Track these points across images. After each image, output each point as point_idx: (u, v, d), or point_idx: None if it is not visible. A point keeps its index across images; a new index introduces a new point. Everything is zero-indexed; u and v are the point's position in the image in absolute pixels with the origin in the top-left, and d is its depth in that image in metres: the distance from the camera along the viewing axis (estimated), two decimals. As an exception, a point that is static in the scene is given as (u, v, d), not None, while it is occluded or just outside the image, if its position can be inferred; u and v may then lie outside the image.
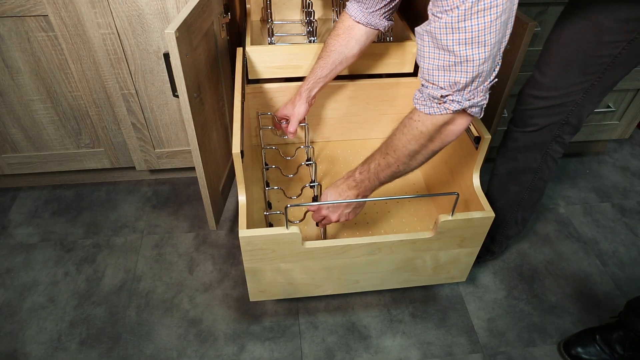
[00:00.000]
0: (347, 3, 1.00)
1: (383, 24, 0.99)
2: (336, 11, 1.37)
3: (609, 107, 1.44)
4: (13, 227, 1.34)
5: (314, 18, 1.27)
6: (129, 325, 1.11)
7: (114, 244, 1.30)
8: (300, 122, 1.12)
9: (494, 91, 1.05)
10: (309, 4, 1.31)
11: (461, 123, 0.75)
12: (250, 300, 0.97)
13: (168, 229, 1.34)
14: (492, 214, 0.90)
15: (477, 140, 0.94)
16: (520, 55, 0.89)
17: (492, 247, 1.20)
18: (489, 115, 1.12)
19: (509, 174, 1.06)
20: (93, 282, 1.20)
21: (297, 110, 1.10)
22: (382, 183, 0.88)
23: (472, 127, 0.96)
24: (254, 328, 1.11)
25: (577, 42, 0.84)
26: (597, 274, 1.26)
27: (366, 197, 0.91)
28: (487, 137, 0.92)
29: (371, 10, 0.96)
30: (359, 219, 1.15)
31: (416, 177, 1.29)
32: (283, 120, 1.17)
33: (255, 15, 1.39)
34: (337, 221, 0.95)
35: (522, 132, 0.99)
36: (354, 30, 1.01)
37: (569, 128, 0.94)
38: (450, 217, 0.87)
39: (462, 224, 0.89)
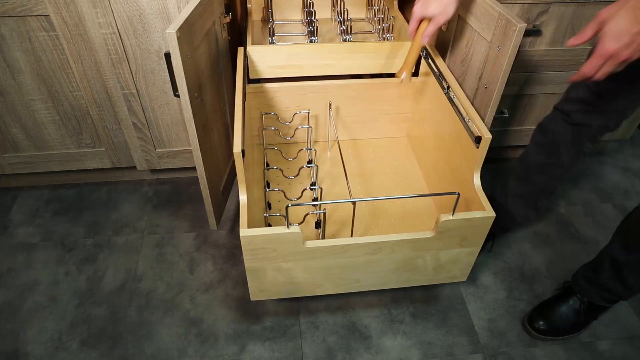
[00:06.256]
0: None
1: None
2: (337, 11, 1.37)
3: (610, 107, 1.44)
4: (14, 226, 1.34)
5: (314, 18, 1.27)
6: (130, 325, 1.11)
7: (115, 243, 1.30)
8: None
9: (487, 92, 1.05)
10: (309, 3, 1.31)
11: None
12: (251, 299, 0.97)
13: (169, 229, 1.34)
14: (493, 214, 0.90)
15: (478, 140, 0.94)
16: (510, 57, 0.89)
17: (511, 226, 1.25)
18: (482, 116, 1.12)
19: (540, 166, 1.09)
20: (94, 282, 1.20)
21: (447, 13, 0.92)
22: None
23: (473, 127, 0.96)
24: (254, 328, 1.11)
25: None
26: (598, 275, 1.26)
27: None
28: (487, 137, 0.92)
29: None
30: (359, 217, 1.16)
31: (417, 176, 1.29)
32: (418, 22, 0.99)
33: (256, 15, 1.39)
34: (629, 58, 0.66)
35: (563, 128, 1.01)
36: None
37: (605, 130, 0.98)
38: (451, 217, 0.87)
39: (462, 223, 0.89)
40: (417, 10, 0.96)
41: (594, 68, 0.67)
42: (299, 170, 1.26)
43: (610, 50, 0.64)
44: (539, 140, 1.08)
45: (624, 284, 1.00)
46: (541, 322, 1.10)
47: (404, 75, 1.07)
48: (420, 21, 0.98)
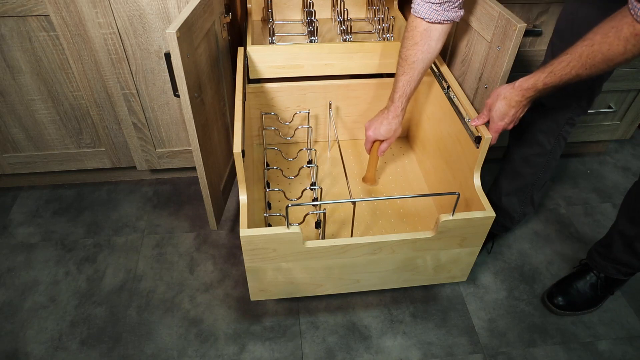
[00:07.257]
0: (415, 6, 0.96)
1: (459, 14, 0.96)
2: (337, 11, 1.37)
3: (610, 107, 1.44)
4: (14, 226, 1.34)
5: (314, 18, 1.27)
6: (130, 325, 1.11)
7: (115, 243, 1.30)
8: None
9: (487, 92, 1.05)
10: (309, 3, 1.31)
11: None
12: (251, 299, 0.97)
13: (169, 229, 1.34)
14: (493, 214, 0.90)
15: (478, 140, 0.94)
16: (510, 56, 0.89)
17: (510, 224, 1.24)
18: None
19: (524, 158, 1.11)
20: (94, 282, 1.20)
21: (396, 134, 1.11)
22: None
23: (473, 127, 0.96)
24: (254, 328, 1.11)
25: (585, 29, 0.81)
26: (598, 275, 1.26)
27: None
28: (487, 137, 0.92)
29: (447, 7, 0.93)
30: (359, 217, 1.16)
31: (417, 176, 1.29)
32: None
33: (256, 15, 1.39)
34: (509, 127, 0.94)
35: (538, 115, 1.03)
36: (432, 32, 0.97)
37: (580, 110, 1.00)
38: (451, 217, 0.87)
39: (462, 223, 0.89)
40: (371, 135, 1.12)
41: (496, 138, 0.95)
42: (299, 170, 1.26)
43: (501, 126, 0.93)
44: (518, 133, 1.09)
45: (636, 255, 1.05)
46: (560, 298, 1.15)
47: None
48: (374, 141, 1.14)
